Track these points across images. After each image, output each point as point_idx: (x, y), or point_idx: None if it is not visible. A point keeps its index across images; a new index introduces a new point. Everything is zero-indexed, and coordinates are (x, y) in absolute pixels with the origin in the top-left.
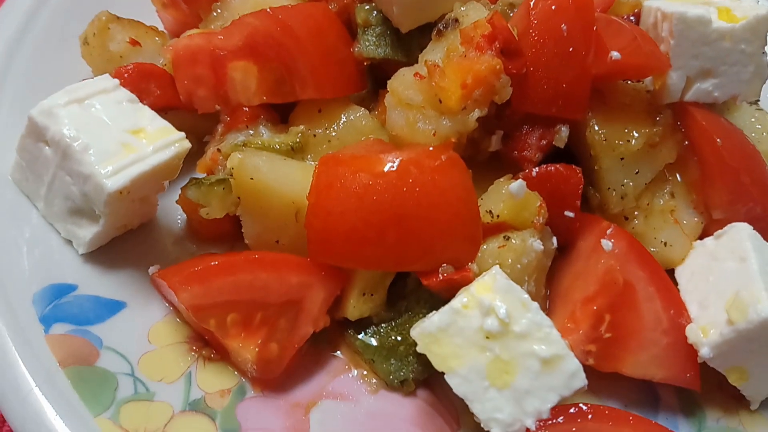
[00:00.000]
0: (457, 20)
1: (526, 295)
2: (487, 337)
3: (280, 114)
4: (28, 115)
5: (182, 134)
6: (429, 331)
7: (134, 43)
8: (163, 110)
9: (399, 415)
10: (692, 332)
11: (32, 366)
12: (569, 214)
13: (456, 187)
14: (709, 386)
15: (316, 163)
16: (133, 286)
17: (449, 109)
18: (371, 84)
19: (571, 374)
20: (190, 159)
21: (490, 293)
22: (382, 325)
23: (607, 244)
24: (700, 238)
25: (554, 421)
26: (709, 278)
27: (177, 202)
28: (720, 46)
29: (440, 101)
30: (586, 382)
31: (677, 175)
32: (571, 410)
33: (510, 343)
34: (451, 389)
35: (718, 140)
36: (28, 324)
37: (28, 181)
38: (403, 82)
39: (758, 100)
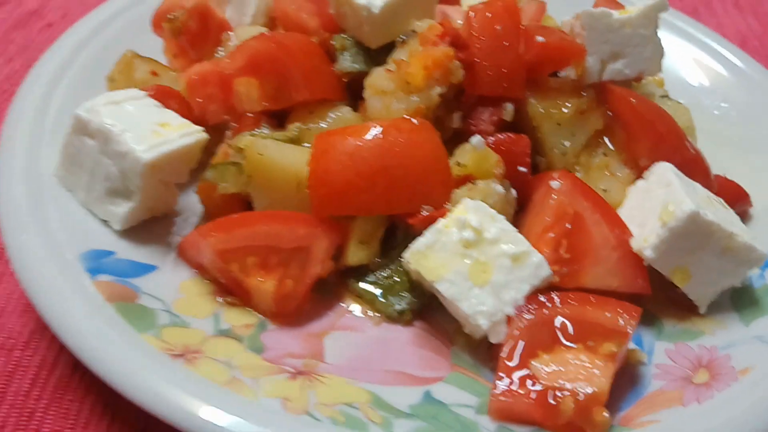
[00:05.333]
0: (414, 31)
1: (494, 210)
2: (466, 246)
3: (279, 122)
4: (74, 114)
5: (202, 128)
6: (418, 250)
7: (154, 74)
8: None
9: (401, 339)
10: (635, 242)
11: (86, 301)
12: (522, 169)
13: (428, 142)
14: (662, 305)
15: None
16: (163, 255)
17: (416, 88)
18: (351, 100)
19: (537, 265)
20: (201, 168)
21: (463, 212)
22: (379, 272)
23: (555, 183)
24: None
25: (529, 307)
26: (644, 206)
27: (196, 192)
28: (623, 32)
29: (408, 84)
30: (551, 271)
31: (607, 141)
32: (541, 298)
33: (484, 248)
34: (443, 318)
35: (633, 100)
36: (78, 272)
37: (71, 174)
38: (377, 77)
39: (667, 94)
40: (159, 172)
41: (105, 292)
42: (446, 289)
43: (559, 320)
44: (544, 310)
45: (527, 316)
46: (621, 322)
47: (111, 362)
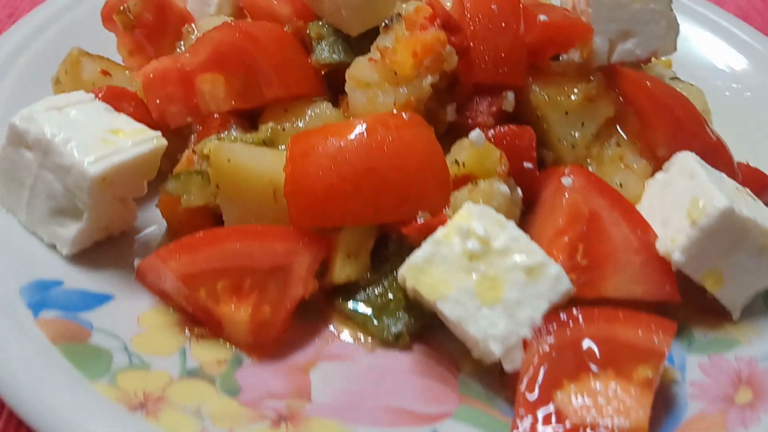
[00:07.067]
0: (400, 15)
1: (501, 215)
2: (471, 259)
3: (251, 123)
4: (9, 123)
5: (159, 132)
6: (415, 264)
7: (105, 73)
8: None
9: (398, 367)
10: (662, 244)
11: (24, 343)
12: (528, 165)
13: (421, 138)
14: (692, 311)
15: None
16: (120, 281)
17: (405, 78)
18: (331, 94)
19: (555, 278)
20: (163, 178)
21: (466, 219)
22: (369, 288)
23: (566, 180)
24: None
25: (549, 327)
26: (665, 201)
27: (157, 205)
28: (632, 9)
29: (395, 74)
30: (571, 284)
31: (619, 130)
32: (562, 316)
33: (493, 259)
34: (447, 340)
35: (648, 83)
36: (16, 310)
37: (9, 193)
38: (359, 67)
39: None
40: (111, 187)
41: (49, 331)
42: (450, 309)
43: (585, 342)
44: (567, 330)
45: (547, 339)
46: (656, 340)
47: (54, 419)
